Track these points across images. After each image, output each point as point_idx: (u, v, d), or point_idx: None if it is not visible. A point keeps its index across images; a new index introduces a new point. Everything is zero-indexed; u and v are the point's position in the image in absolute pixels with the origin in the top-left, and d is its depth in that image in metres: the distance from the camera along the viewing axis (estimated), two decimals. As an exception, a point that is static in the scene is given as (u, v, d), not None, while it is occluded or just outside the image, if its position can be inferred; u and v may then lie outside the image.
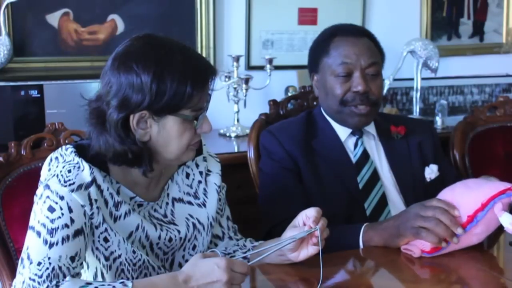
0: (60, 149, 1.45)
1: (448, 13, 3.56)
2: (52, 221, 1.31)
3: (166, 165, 1.47)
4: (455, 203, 1.56)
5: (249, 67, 3.12)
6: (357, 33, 1.90)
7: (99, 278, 1.43)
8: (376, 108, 1.91)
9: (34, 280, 1.26)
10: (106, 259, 1.41)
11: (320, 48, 1.92)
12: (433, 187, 1.83)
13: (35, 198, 1.37)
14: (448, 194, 1.61)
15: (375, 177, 1.88)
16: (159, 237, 1.46)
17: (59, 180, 1.34)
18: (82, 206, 1.34)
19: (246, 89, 2.90)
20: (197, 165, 1.58)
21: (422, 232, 1.52)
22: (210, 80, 1.42)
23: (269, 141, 1.91)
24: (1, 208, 1.69)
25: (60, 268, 1.28)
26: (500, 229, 1.57)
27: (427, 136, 2.02)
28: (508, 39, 3.71)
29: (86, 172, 1.36)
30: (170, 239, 1.48)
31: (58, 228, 1.31)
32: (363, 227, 1.65)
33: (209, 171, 1.59)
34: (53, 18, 2.79)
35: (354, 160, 1.90)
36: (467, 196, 1.57)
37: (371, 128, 1.96)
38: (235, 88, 2.92)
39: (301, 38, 3.22)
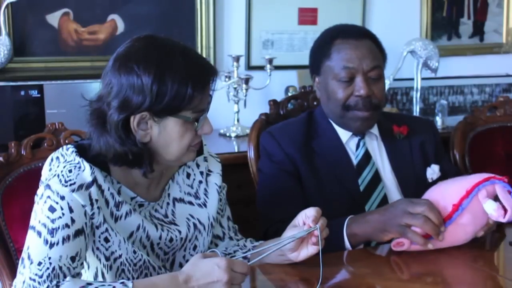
0: (61, 149, 1.45)
1: (448, 13, 3.56)
2: (52, 221, 1.31)
3: (166, 166, 1.48)
4: (440, 194, 1.57)
5: (249, 67, 3.12)
6: (359, 35, 1.88)
7: (100, 278, 1.43)
8: (378, 112, 1.89)
9: (34, 280, 1.26)
10: (107, 259, 1.41)
11: (321, 51, 1.90)
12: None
13: (36, 198, 1.37)
14: (435, 188, 1.62)
15: (376, 178, 1.87)
16: (160, 237, 1.46)
17: (60, 180, 1.34)
18: (83, 206, 1.34)
19: (246, 89, 2.90)
20: (197, 165, 1.58)
21: (408, 232, 1.52)
22: (211, 82, 1.42)
23: (269, 143, 1.90)
24: (1, 208, 1.69)
25: (60, 268, 1.28)
26: (498, 229, 1.57)
27: (429, 135, 2.01)
28: (508, 39, 3.71)
29: (87, 172, 1.36)
30: (171, 239, 1.48)
31: (58, 228, 1.31)
32: (346, 220, 1.64)
33: (209, 171, 1.59)
34: (53, 18, 2.79)
35: (355, 161, 1.89)
36: (452, 186, 1.59)
37: (373, 129, 1.94)
38: (235, 88, 2.92)
39: (301, 38, 3.22)
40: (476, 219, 1.57)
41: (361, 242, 1.65)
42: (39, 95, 2.55)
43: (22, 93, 2.54)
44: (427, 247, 1.52)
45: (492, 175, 1.58)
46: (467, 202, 1.53)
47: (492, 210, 1.52)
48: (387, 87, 3.13)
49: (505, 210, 1.52)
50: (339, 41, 1.87)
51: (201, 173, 1.58)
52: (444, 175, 1.94)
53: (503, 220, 1.53)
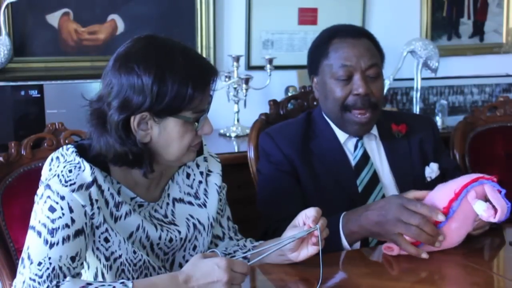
0: (61, 149, 1.45)
1: (448, 13, 3.56)
2: (52, 221, 1.31)
3: (166, 166, 1.48)
4: (430, 198, 1.56)
5: (249, 67, 3.12)
6: (356, 34, 1.88)
7: (100, 278, 1.43)
8: (377, 112, 1.87)
9: (34, 280, 1.26)
10: (107, 259, 1.41)
11: (319, 50, 1.90)
12: (433, 187, 1.82)
13: (36, 198, 1.37)
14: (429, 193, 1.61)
15: (375, 179, 1.87)
16: (160, 238, 1.46)
17: (60, 180, 1.34)
18: (83, 206, 1.34)
19: (246, 89, 2.90)
20: (197, 165, 1.58)
21: (401, 241, 1.52)
22: (211, 82, 1.42)
23: (267, 144, 1.90)
24: (1, 208, 1.69)
25: (60, 268, 1.28)
26: (495, 229, 1.57)
27: (428, 132, 2.00)
28: (508, 39, 3.71)
29: (87, 172, 1.36)
30: (171, 240, 1.48)
31: (58, 228, 1.31)
32: (341, 218, 1.62)
33: (209, 171, 1.59)
34: (53, 18, 2.79)
35: (353, 162, 1.89)
36: (441, 189, 1.58)
37: (372, 129, 1.94)
38: (235, 88, 2.92)
39: (301, 38, 3.22)
40: (468, 219, 1.56)
41: (358, 240, 1.65)
42: (39, 95, 2.55)
43: (22, 93, 2.54)
44: (420, 256, 1.52)
45: (481, 175, 1.57)
46: (456, 204, 1.52)
47: (482, 211, 1.51)
48: (387, 87, 3.13)
49: (495, 210, 1.52)
50: (336, 40, 1.87)
51: (201, 173, 1.58)
52: (444, 172, 1.94)
53: (494, 220, 1.52)
